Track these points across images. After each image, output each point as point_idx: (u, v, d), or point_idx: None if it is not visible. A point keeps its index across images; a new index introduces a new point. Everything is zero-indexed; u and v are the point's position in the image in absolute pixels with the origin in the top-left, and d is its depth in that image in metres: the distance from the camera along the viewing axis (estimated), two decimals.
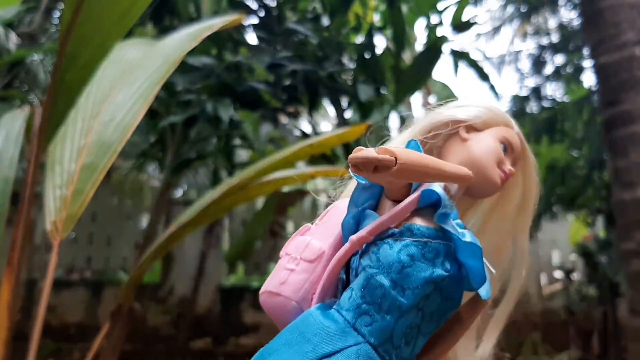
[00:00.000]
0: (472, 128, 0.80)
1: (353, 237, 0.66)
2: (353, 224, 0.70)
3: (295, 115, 4.60)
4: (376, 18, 4.84)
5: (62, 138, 1.78)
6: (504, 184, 0.79)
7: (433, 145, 0.78)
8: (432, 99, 6.00)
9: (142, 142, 4.04)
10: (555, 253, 6.12)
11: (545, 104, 5.52)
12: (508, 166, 0.79)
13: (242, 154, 5.34)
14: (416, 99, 7.04)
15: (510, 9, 6.25)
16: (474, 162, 0.75)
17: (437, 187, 0.67)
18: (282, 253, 0.78)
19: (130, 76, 1.84)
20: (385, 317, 0.61)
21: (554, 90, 5.84)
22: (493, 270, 0.70)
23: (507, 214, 0.85)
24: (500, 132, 0.80)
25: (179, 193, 6.41)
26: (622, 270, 3.85)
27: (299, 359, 0.59)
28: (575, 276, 5.92)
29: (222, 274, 5.61)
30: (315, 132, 4.64)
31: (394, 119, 5.98)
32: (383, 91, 4.21)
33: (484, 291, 0.67)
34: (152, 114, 3.67)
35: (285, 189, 5.31)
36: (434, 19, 4.34)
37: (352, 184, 0.85)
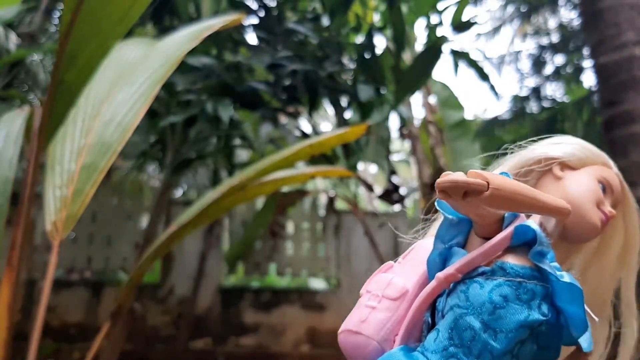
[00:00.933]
0: (566, 166, 0.75)
1: (440, 275, 0.62)
2: (439, 261, 0.65)
3: (295, 115, 4.60)
4: (376, 18, 4.84)
5: (62, 138, 1.78)
6: (604, 227, 0.72)
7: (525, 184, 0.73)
8: (432, 99, 6.00)
9: (142, 142, 4.04)
10: None
11: (545, 104, 5.52)
12: (608, 207, 0.73)
13: (242, 154, 5.34)
14: (416, 99, 7.04)
15: (510, 9, 6.25)
16: (570, 201, 0.67)
17: (533, 223, 0.62)
18: (362, 290, 0.73)
19: (130, 76, 1.84)
20: None
21: (554, 91, 5.84)
22: (596, 318, 0.64)
23: (607, 264, 0.78)
24: (598, 171, 0.75)
25: (179, 193, 6.41)
26: None
27: None
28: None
29: (222, 274, 5.61)
30: (315, 132, 4.64)
31: (394, 119, 5.99)
32: (383, 91, 4.21)
33: (585, 342, 0.60)
34: (152, 114, 3.67)
35: (285, 189, 5.31)
36: (434, 19, 4.34)
37: (436, 223, 0.78)
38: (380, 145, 5.33)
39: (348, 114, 4.47)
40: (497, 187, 0.55)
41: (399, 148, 8.90)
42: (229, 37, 3.83)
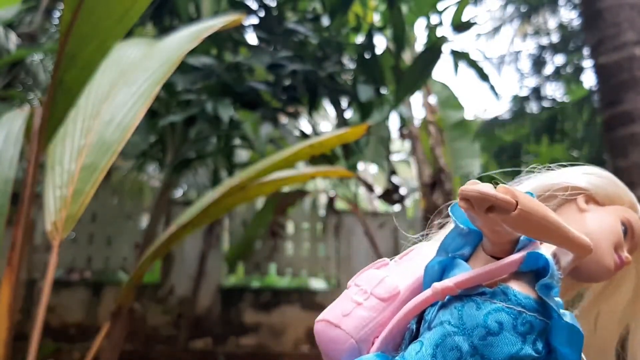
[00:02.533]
0: (592, 199, 0.72)
1: (436, 285, 0.57)
2: (438, 270, 0.61)
3: (295, 115, 4.60)
4: (376, 18, 4.84)
5: (62, 138, 1.78)
6: (617, 271, 0.69)
7: None
8: (432, 99, 6.00)
9: (142, 142, 4.04)
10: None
11: (545, 104, 5.52)
12: (625, 253, 0.69)
13: (242, 154, 5.34)
14: (416, 99, 7.05)
15: (510, 9, 6.26)
16: (590, 238, 0.63)
17: (547, 252, 0.58)
18: (350, 282, 0.68)
19: (130, 76, 1.84)
20: None
21: (554, 91, 5.84)
22: None
23: (615, 309, 0.74)
24: (624, 212, 0.71)
25: (179, 193, 6.41)
26: None
27: None
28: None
29: (222, 274, 5.61)
30: (315, 132, 4.64)
31: (394, 119, 5.99)
32: (383, 91, 4.21)
33: None
34: (152, 114, 3.67)
35: (285, 189, 5.31)
36: (434, 19, 4.34)
37: (445, 230, 0.73)
38: (380, 145, 5.33)
39: (348, 114, 4.47)
40: (527, 210, 0.51)
41: (399, 148, 8.90)
42: (229, 37, 3.83)
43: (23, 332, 1.88)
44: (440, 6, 4.23)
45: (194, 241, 5.24)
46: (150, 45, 2.05)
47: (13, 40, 3.71)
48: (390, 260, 0.70)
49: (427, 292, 0.58)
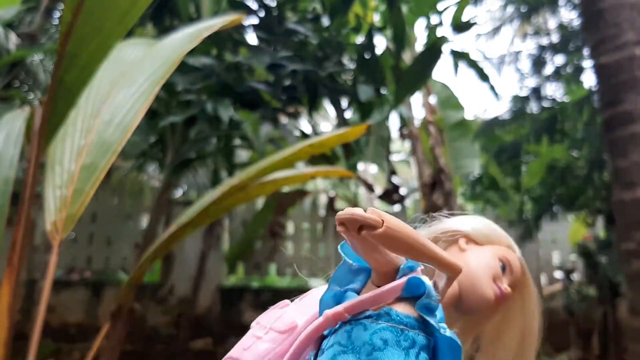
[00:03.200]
0: (472, 241, 0.79)
1: (328, 312, 0.62)
2: (332, 302, 0.65)
3: (295, 115, 4.60)
4: (376, 18, 4.84)
5: (62, 138, 1.78)
6: (498, 303, 0.75)
7: None
8: (432, 99, 6.00)
9: (142, 142, 4.04)
10: (555, 253, 6.12)
11: (546, 104, 5.52)
12: (505, 285, 0.75)
13: (242, 154, 5.34)
14: (416, 99, 7.04)
15: (510, 9, 6.25)
16: (468, 272, 0.72)
17: (426, 278, 0.63)
18: (253, 323, 0.75)
19: (130, 76, 1.84)
20: None
21: (554, 91, 5.84)
22: None
23: (508, 347, 0.80)
24: (501, 251, 0.78)
25: (179, 193, 6.41)
26: (622, 271, 3.85)
27: None
28: (575, 276, 5.92)
29: (222, 274, 5.61)
30: (315, 132, 4.64)
31: (394, 119, 5.99)
32: (383, 91, 4.21)
33: None
34: (152, 114, 3.67)
35: (285, 189, 5.31)
36: (434, 19, 4.34)
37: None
38: (380, 146, 5.33)
39: (348, 114, 4.47)
40: (391, 227, 0.57)
41: (399, 148, 8.90)
42: (229, 37, 3.83)
43: (23, 332, 1.88)
44: (440, 6, 4.24)
45: (194, 241, 5.24)
46: (150, 45, 2.06)
47: (13, 40, 3.71)
48: (291, 301, 0.76)
49: (320, 319, 0.63)
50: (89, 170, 1.70)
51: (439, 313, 0.63)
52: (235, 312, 5.47)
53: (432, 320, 0.61)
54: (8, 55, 3.55)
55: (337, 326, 0.62)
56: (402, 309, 0.62)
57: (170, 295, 5.43)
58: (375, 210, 0.58)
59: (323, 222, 5.78)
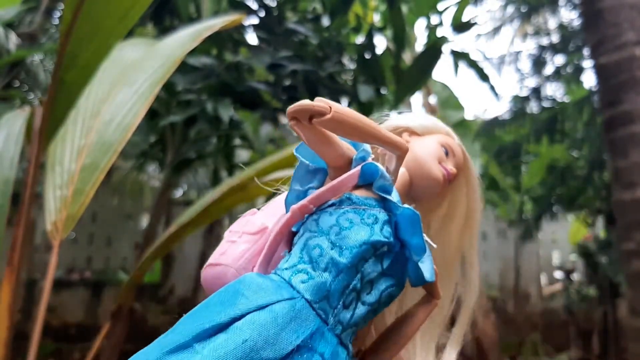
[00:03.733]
0: (414, 133, 0.84)
1: (294, 206, 0.66)
2: (296, 201, 0.69)
3: None
4: (376, 18, 4.85)
5: (62, 138, 1.78)
6: (446, 182, 0.80)
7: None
8: (432, 99, 6.00)
9: (142, 142, 4.04)
10: (555, 253, 6.12)
11: (546, 104, 5.52)
12: (450, 165, 0.81)
13: (242, 154, 5.34)
14: (416, 99, 7.05)
15: (510, 9, 6.25)
16: (415, 158, 0.78)
17: (378, 164, 0.68)
18: (226, 232, 0.78)
19: (131, 76, 1.84)
20: (322, 275, 0.61)
21: (554, 91, 5.84)
22: (434, 245, 0.70)
23: (454, 229, 0.86)
24: (441, 138, 0.84)
25: (179, 193, 6.41)
26: (622, 270, 3.85)
27: (232, 311, 0.58)
28: (575, 276, 5.92)
29: None
30: None
31: None
32: (383, 91, 4.21)
33: (427, 273, 0.66)
34: (153, 114, 3.67)
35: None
36: (434, 20, 4.35)
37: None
38: None
39: None
40: (340, 112, 0.60)
41: None
42: (229, 37, 3.84)
43: (23, 332, 1.88)
44: (440, 6, 4.24)
45: (194, 241, 5.24)
46: (151, 45, 2.06)
47: (13, 40, 3.71)
48: (258, 209, 0.81)
49: (288, 214, 0.67)
50: (89, 170, 1.70)
51: (395, 195, 0.66)
52: None
53: (390, 198, 0.65)
54: (8, 55, 3.55)
55: (305, 219, 0.66)
56: (361, 194, 0.66)
57: (170, 295, 5.43)
58: (322, 99, 0.61)
59: None
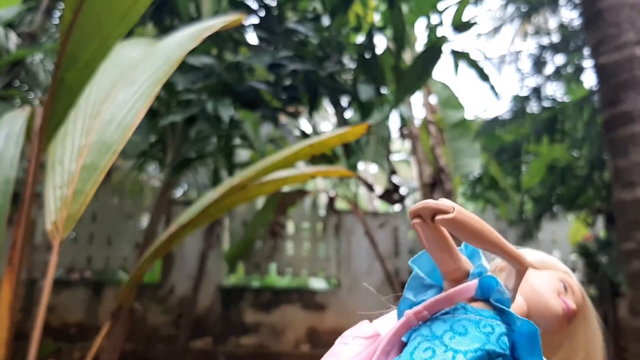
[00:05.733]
0: (531, 267, 0.80)
1: (408, 311, 0.65)
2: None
3: (295, 115, 4.60)
4: (376, 18, 4.85)
5: (62, 138, 1.78)
6: (566, 316, 0.77)
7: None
8: (432, 99, 5.99)
9: (143, 142, 4.04)
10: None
11: (546, 104, 5.51)
12: (569, 300, 0.78)
13: (242, 154, 5.34)
14: (416, 98, 7.05)
15: (510, 9, 6.25)
16: (533, 289, 0.75)
17: (497, 277, 0.66)
18: (337, 339, 0.78)
19: (131, 76, 1.84)
20: None
21: (555, 90, 5.83)
22: None
23: None
24: (561, 274, 0.82)
25: (179, 193, 6.41)
26: (622, 270, 3.85)
27: None
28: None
29: (222, 274, 5.61)
30: (315, 132, 4.64)
31: (394, 119, 5.99)
32: (383, 91, 4.21)
33: None
34: (153, 114, 3.67)
35: (286, 188, 5.31)
36: (435, 19, 4.35)
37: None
38: (380, 145, 5.33)
39: (348, 114, 4.47)
40: (462, 213, 0.61)
41: (399, 148, 8.90)
42: (230, 37, 3.83)
43: (23, 332, 1.88)
44: (440, 6, 4.24)
45: (194, 241, 5.24)
46: (151, 45, 2.06)
47: (13, 40, 3.71)
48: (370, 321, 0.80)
49: (402, 319, 0.66)
50: (89, 170, 1.70)
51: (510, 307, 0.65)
52: (235, 312, 5.47)
53: (509, 310, 0.63)
54: (8, 55, 3.55)
55: (417, 327, 0.66)
56: (477, 306, 0.65)
57: (170, 295, 5.43)
58: (445, 200, 0.61)
59: (323, 222, 5.78)
